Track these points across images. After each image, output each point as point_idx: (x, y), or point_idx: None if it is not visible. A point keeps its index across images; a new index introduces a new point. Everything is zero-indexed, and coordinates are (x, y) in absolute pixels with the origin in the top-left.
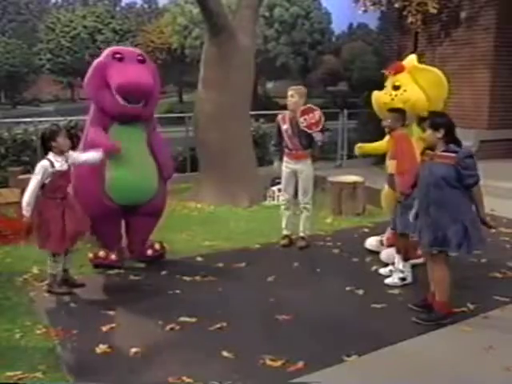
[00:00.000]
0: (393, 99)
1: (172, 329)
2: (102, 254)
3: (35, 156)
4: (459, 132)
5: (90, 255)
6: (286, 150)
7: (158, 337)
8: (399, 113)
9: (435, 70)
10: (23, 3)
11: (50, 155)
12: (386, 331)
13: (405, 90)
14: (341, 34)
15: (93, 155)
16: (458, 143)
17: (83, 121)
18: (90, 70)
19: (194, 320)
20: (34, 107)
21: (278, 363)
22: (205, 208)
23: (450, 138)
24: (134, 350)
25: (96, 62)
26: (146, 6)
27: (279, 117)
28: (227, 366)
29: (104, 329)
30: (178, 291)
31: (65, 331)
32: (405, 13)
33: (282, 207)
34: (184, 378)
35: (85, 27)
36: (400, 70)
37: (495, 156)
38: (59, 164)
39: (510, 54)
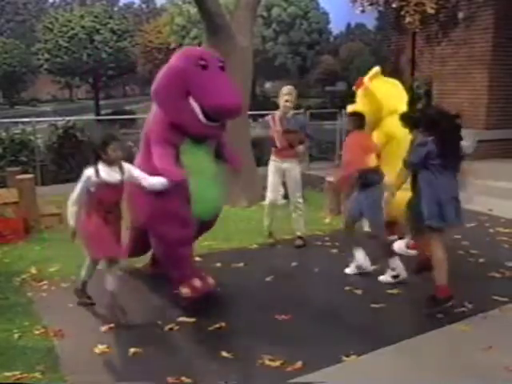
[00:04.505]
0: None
1: (171, 329)
2: (186, 290)
3: (33, 156)
4: None
5: (185, 290)
6: (275, 149)
7: (156, 337)
8: (355, 116)
9: (390, 82)
10: (21, 3)
11: (99, 164)
12: (385, 331)
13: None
14: (339, 34)
15: (159, 183)
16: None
17: (81, 121)
18: (165, 76)
19: (192, 320)
20: (31, 107)
21: (277, 363)
22: None
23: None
24: (132, 350)
25: (174, 66)
26: (143, 5)
27: (269, 117)
28: (226, 366)
29: (103, 329)
30: (176, 291)
31: (63, 331)
32: (402, 13)
33: (267, 208)
34: (183, 378)
35: (83, 27)
36: (360, 85)
37: (493, 156)
38: (106, 174)
39: (507, 53)
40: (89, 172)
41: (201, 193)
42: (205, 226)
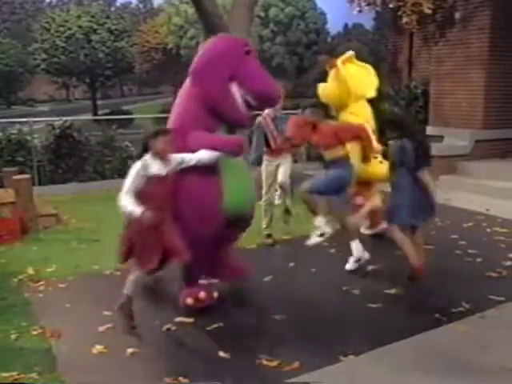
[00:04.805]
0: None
1: (169, 329)
2: (190, 300)
3: (30, 156)
4: (455, 132)
5: (189, 301)
6: (269, 151)
7: (154, 337)
8: (318, 107)
9: (363, 67)
10: (18, 3)
11: (147, 156)
12: (382, 331)
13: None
14: (336, 34)
15: (208, 153)
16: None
17: (78, 121)
18: (210, 57)
19: (190, 320)
20: (28, 107)
21: (275, 363)
22: None
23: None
24: (130, 350)
25: (220, 49)
26: (141, 5)
27: (260, 120)
28: (224, 366)
29: (100, 329)
30: (174, 291)
31: (60, 332)
32: (400, 13)
33: (263, 208)
34: (180, 378)
35: (80, 27)
36: (333, 65)
37: (490, 156)
38: (156, 168)
39: (504, 53)
40: (137, 165)
41: (235, 186)
42: (238, 223)
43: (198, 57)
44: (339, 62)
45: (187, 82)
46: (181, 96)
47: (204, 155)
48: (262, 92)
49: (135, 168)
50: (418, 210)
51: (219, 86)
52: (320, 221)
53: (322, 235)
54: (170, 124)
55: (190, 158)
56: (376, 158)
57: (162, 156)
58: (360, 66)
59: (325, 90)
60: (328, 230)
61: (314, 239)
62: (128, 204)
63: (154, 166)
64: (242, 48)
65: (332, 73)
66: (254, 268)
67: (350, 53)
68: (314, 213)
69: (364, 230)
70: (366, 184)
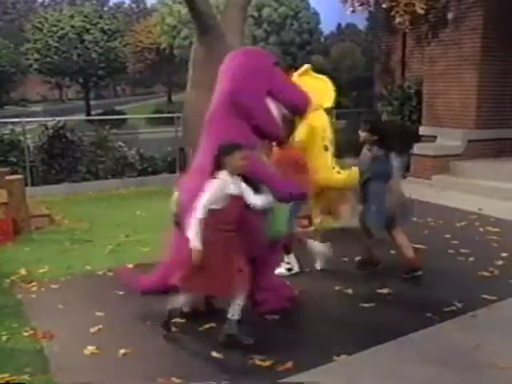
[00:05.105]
0: None
1: (161, 329)
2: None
3: (23, 156)
4: (448, 131)
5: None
6: None
7: (146, 337)
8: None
9: (319, 79)
10: (10, 2)
11: (223, 174)
12: (375, 330)
13: None
14: (329, 34)
15: (265, 201)
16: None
17: (71, 121)
18: (249, 76)
19: (183, 320)
20: (21, 107)
21: (268, 363)
22: None
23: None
24: (122, 351)
25: (255, 65)
26: (134, 5)
27: None
28: (217, 366)
29: (92, 330)
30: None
31: (52, 333)
32: (392, 13)
33: None
34: (173, 378)
35: (72, 27)
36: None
37: (483, 155)
38: (233, 186)
39: (496, 54)
40: (220, 183)
41: (277, 213)
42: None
43: (230, 76)
44: (296, 74)
45: (220, 100)
46: (215, 115)
47: (261, 202)
48: (297, 103)
49: (213, 187)
50: (391, 216)
51: (260, 103)
52: (291, 257)
53: (289, 270)
54: (208, 145)
55: (249, 196)
56: (334, 168)
57: (236, 173)
58: (316, 78)
59: None
60: (296, 268)
61: (280, 271)
62: (195, 230)
63: (231, 184)
64: (272, 61)
65: None
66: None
67: (307, 66)
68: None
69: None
70: (324, 192)
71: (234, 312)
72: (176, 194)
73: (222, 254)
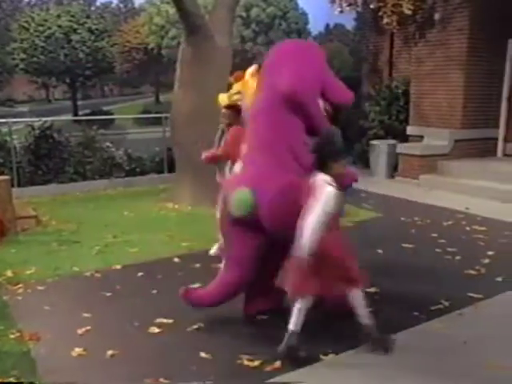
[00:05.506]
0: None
1: (149, 330)
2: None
3: (9, 157)
4: (435, 131)
5: None
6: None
7: (134, 338)
8: (233, 110)
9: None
10: None
11: (328, 179)
12: (363, 329)
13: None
14: (318, 34)
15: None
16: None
17: (58, 122)
18: (308, 73)
19: (171, 321)
20: (7, 108)
21: (256, 363)
22: (182, 209)
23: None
24: (110, 352)
25: (313, 62)
26: (121, 5)
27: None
28: (205, 366)
29: (79, 331)
30: (154, 292)
31: (39, 335)
32: (380, 14)
33: None
34: (161, 379)
35: (59, 27)
36: (239, 78)
37: (469, 155)
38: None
39: (483, 54)
40: (333, 195)
41: None
42: None
43: (287, 73)
44: (248, 75)
45: (273, 95)
46: (264, 113)
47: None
48: (342, 101)
49: (330, 195)
50: None
51: (317, 103)
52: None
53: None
54: (257, 143)
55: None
56: None
57: (335, 180)
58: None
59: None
60: None
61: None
62: (313, 238)
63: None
64: (324, 57)
65: (238, 85)
66: None
67: (255, 66)
68: None
69: None
70: None
71: (298, 322)
72: (238, 166)
73: (338, 250)
